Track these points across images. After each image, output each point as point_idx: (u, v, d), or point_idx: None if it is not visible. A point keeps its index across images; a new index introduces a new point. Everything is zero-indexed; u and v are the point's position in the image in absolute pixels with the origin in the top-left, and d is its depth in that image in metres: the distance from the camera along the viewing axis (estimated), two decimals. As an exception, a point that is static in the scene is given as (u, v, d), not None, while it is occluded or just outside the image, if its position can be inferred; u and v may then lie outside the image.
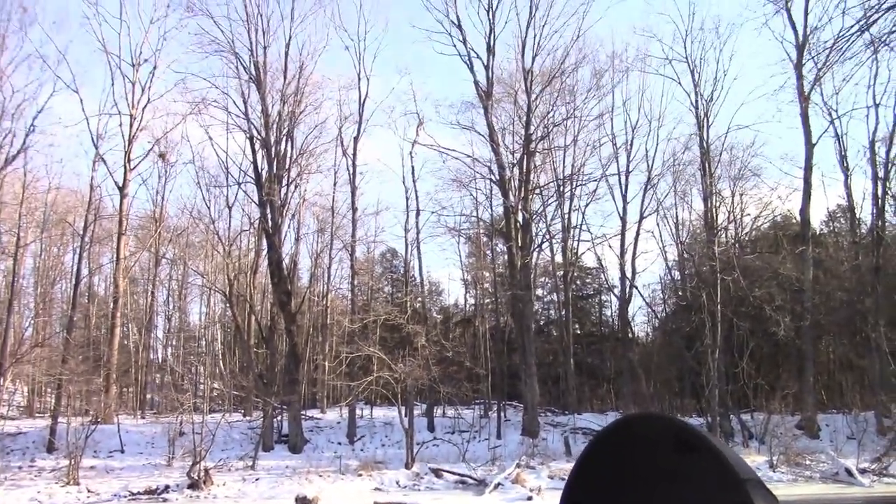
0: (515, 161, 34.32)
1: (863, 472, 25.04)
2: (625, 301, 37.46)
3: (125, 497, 22.32)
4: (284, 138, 31.86)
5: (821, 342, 35.85)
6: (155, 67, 34.01)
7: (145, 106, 33.49)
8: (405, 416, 28.48)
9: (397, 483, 24.69)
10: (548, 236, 38.39)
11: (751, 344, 32.05)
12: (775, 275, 32.11)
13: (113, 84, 34.06)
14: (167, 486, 23.22)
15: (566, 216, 38.52)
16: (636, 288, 38.45)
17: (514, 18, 39.49)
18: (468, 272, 44.32)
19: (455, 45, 34.92)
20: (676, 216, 38.48)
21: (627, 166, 37.52)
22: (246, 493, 23.36)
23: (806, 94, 32.37)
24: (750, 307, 32.67)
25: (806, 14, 30.91)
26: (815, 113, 33.75)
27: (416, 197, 36.01)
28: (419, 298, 38.49)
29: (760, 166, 36.23)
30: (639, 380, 35.01)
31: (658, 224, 38.19)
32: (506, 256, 36.21)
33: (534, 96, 34.20)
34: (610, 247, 38.87)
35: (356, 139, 34.63)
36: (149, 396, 38.32)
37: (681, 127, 47.65)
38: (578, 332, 43.52)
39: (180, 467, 24.79)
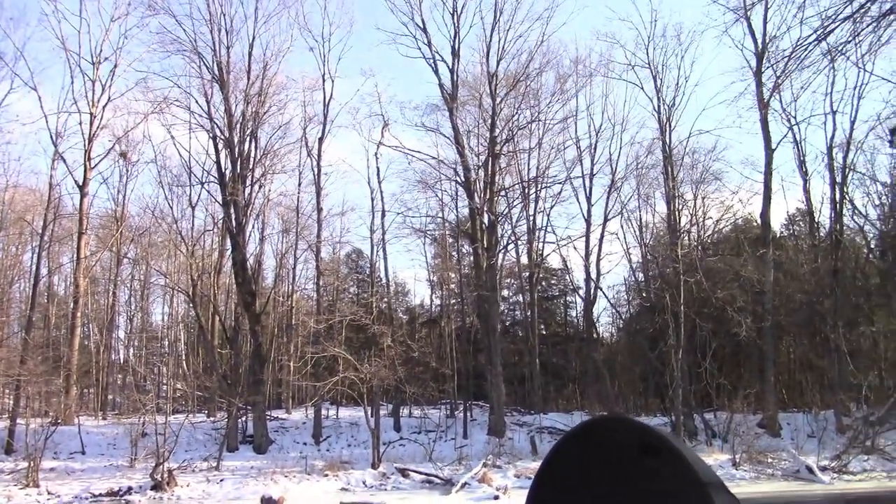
0: (481, 163, 34.47)
1: (823, 469, 25.58)
2: (589, 302, 37.82)
3: (86, 499, 21.92)
4: (248, 138, 31.62)
5: (781, 342, 36.55)
6: (115, 66, 33.59)
7: (106, 104, 33.04)
8: (371, 416, 28.43)
9: (364, 483, 24.63)
10: (513, 238, 38.65)
11: (713, 344, 32.55)
12: (737, 276, 32.64)
13: (72, 82, 33.62)
14: (130, 488, 22.88)
15: (531, 218, 38.83)
16: (601, 289, 38.90)
17: (479, 22, 39.86)
18: (434, 273, 44.38)
19: (420, 48, 35.06)
20: (640, 218, 39.03)
21: (592, 169, 37.93)
22: (210, 493, 23.11)
23: (765, 100, 32.97)
24: (712, 308, 33.19)
25: (765, 23, 31.56)
26: (775, 119, 34.48)
27: (382, 198, 36.04)
28: (385, 299, 38.43)
29: (722, 170, 36.96)
30: (603, 380, 35.37)
31: (622, 226, 38.66)
32: (471, 257, 36.33)
33: (498, 100, 34.40)
34: (575, 248, 39.30)
35: (321, 140, 34.50)
36: (110, 397, 37.69)
37: (644, 131, 48.23)
38: (544, 332, 43.82)
39: (143, 468, 24.44)
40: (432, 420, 32.94)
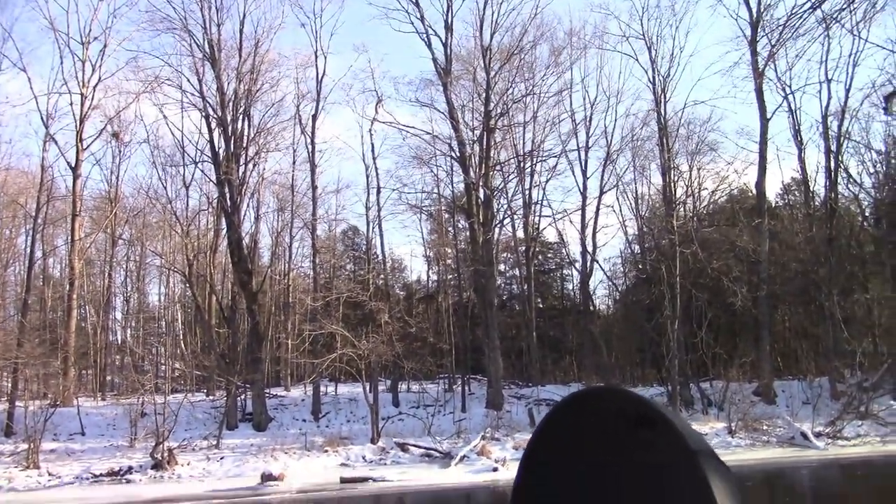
0: (475, 138, 34.31)
1: (818, 435, 25.85)
2: (586, 275, 37.90)
3: (87, 479, 22.08)
4: (241, 117, 31.39)
5: (777, 311, 36.73)
6: (105, 45, 33.22)
7: (96, 85, 32.71)
8: (370, 391, 28.56)
9: (363, 458, 24.82)
10: (509, 212, 38.57)
11: (709, 314, 32.69)
12: (732, 247, 32.72)
13: (62, 62, 33.28)
14: (130, 468, 23.03)
15: (527, 192, 38.71)
16: (597, 262, 38.98)
17: (472, -5, 39.21)
18: (430, 249, 44.35)
19: (413, 23, 34.73)
20: (636, 191, 38.99)
21: (587, 142, 37.83)
22: (211, 471, 23.28)
23: (760, 70, 32.84)
24: (708, 279, 33.29)
25: (760, -9, 31.30)
26: (770, 88, 34.36)
27: (377, 174, 35.89)
28: (381, 275, 38.43)
29: (717, 141, 36.78)
30: (600, 351, 35.54)
31: (618, 199, 38.62)
32: (467, 233, 36.30)
33: (493, 73, 34.16)
34: (571, 222, 39.24)
35: (314, 117, 34.22)
36: (109, 378, 37.75)
37: (639, 103, 48.05)
38: (541, 305, 43.90)
39: (143, 448, 24.57)
40: (431, 395, 33.10)
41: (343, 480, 21.42)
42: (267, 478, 21.19)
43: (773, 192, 41.43)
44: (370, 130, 35.77)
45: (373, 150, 35.96)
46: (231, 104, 30.83)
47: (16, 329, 30.10)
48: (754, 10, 32.14)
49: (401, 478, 21.61)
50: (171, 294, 43.86)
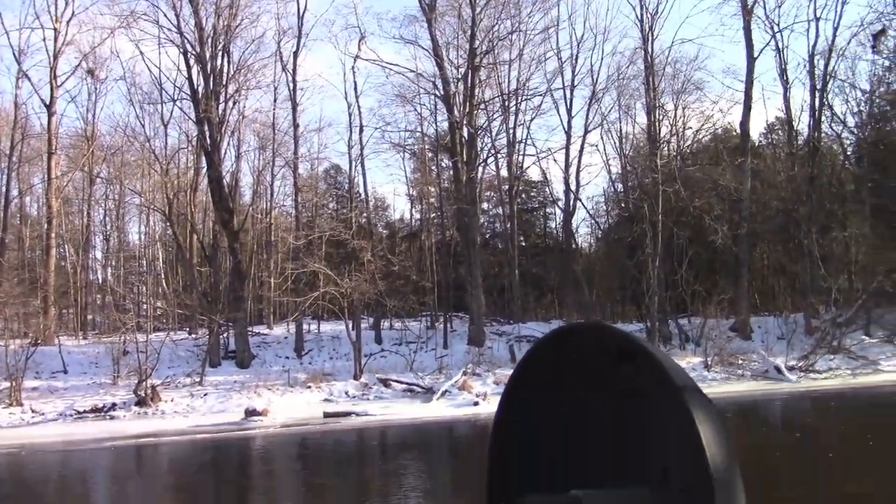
0: (460, 76, 33.81)
1: (791, 369, 26.47)
2: (569, 213, 37.99)
3: (71, 416, 22.21)
4: (220, 53, 30.65)
5: (756, 249, 37.09)
6: (78, -24, 32.04)
7: (70, 19, 31.80)
8: (352, 329, 28.72)
9: (346, 393, 25.11)
10: (493, 151, 38.28)
11: (690, 252, 32.95)
12: (715, 185, 32.78)
13: (34, -5, 32.10)
14: (114, 404, 23.18)
15: (511, 131, 38.33)
16: (580, 200, 39.00)
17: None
18: (413, 187, 44.10)
19: (397, -46, 33.70)
20: (620, 130, 38.79)
21: (572, 81, 37.43)
22: (195, 407, 23.48)
23: (749, 7, 32.37)
24: (690, 217, 33.46)
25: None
26: (758, 27, 33.97)
27: (360, 113, 35.34)
28: (364, 214, 38.26)
29: (703, 80, 36.63)
30: (582, 289, 35.83)
31: (602, 138, 38.47)
32: (451, 171, 36.05)
33: (478, 9, 33.46)
34: (555, 160, 39.09)
35: (296, 54, 33.47)
36: (90, 317, 37.65)
37: (626, 41, 47.77)
38: (523, 244, 44.02)
39: (126, 386, 24.69)
40: (413, 332, 33.38)
41: (326, 415, 21.67)
42: (251, 413, 21.40)
43: (756, 131, 41.45)
44: (353, 68, 35.17)
45: (355, 89, 35.41)
46: (210, 40, 30.04)
47: (-6, 268, 29.80)
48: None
49: (383, 412, 21.91)
50: (152, 233, 43.47)
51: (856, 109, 36.16)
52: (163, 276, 40.36)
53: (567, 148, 37.01)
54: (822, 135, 35.58)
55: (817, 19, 33.31)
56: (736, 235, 32.64)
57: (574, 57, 37.30)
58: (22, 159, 34.44)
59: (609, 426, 1.59)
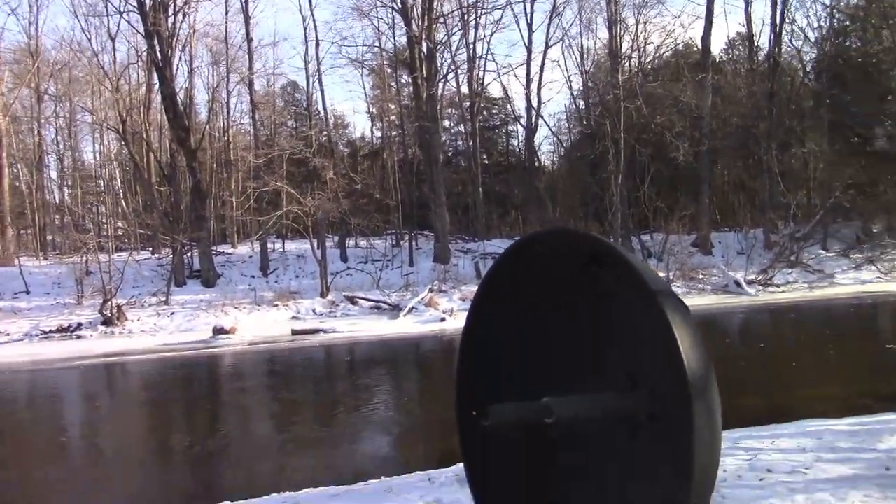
0: (419, -12, 32.83)
1: (750, 283, 27.28)
2: (531, 130, 37.81)
3: (37, 336, 22.11)
4: (167, -39, 29.23)
5: (717, 166, 37.54)
6: None
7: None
8: (317, 248, 28.73)
9: (313, 311, 25.31)
10: (453, 66, 37.56)
11: (652, 169, 33.21)
12: (676, 102, 32.84)
13: None
14: (80, 324, 23.10)
15: (471, 46, 37.51)
16: (542, 117, 38.80)
17: None
18: (373, 104, 43.37)
19: None
20: (581, 45, 38.37)
21: (533, -8, 36.53)
22: (162, 326, 23.53)
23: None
24: (651, 134, 33.62)
25: None
26: (723, -66, 33.33)
27: (315, 27, 34.47)
28: (325, 132, 37.66)
29: (666, -6, 35.93)
30: (545, 206, 36.09)
31: (563, 53, 38.22)
32: (411, 88, 35.45)
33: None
34: (516, 77, 38.86)
35: (247, -38, 32.10)
36: (49, 238, 36.94)
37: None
38: (486, 161, 43.91)
39: (91, 306, 24.56)
40: (378, 250, 33.49)
41: (294, 332, 21.90)
42: (218, 331, 21.52)
43: (717, 47, 41.33)
44: (307, -23, 33.88)
45: (310, 1, 34.22)
46: (156, -54, 28.62)
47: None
48: None
49: (351, 329, 22.18)
50: (107, 152, 42.31)
51: (816, 24, 36.16)
52: (121, 196, 39.61)
53: (528, 64, 36.54)
54: (783, 50, 35.65)
55: (780, -70, 32.90)
56: (697, 152, 32.95)
57: (535, -33, 36.37)
58: (-37, 75, 33.02)
59: (577, 334, 1.67)
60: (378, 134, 45.36)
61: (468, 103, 39.12)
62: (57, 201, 41.21)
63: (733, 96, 35.89)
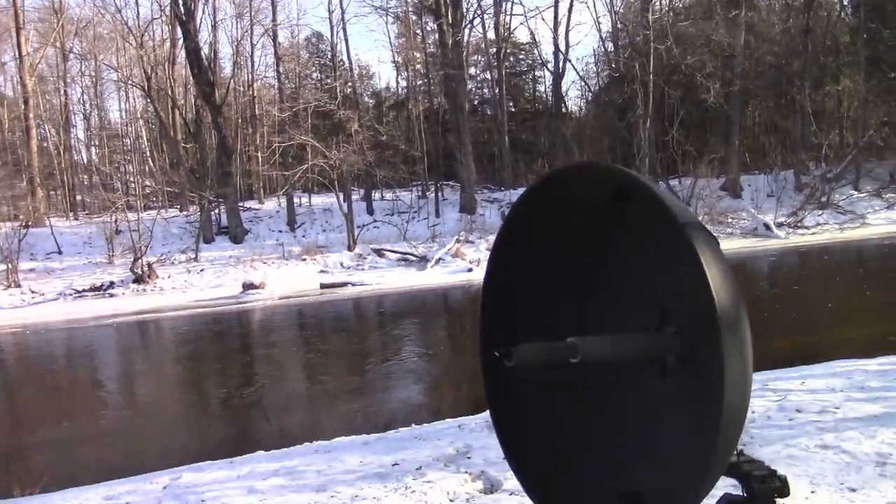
0: (443, -71, 32.01)
1: (780, 226, 26.86)
2: (558, 75, 37.16)
3: (70, 295, 22.52)
4: (187, -88, 28.80)
5: (748, 107, 36.68)
6: None
7: None
8: (343, 201, 28.74)
9: (341, 265, 25.44)
10: (479, 11, 36.92)
11: (681, 112, 32.58)
12: (707, 41, 31.97)
13: None
14: (112, 283, 23.46)
15: (498, -11, 36.76)
16: (570, 62, 38.11)
17: None
18: (398, 53, 42.86)
19: None
20: (611, -15, 37.20)
21: (561, -70, 35.49)
22: (192, 283, 23.83)
23: None
24: (681, 75, 32.86)
25: None
26: None
27: (339, -26, 33.75)
28: (349, 83, 37.36)
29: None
30: (572, 153, 35.62)
31: (592, -6, 36.94)
32: (436, 35, 34.87)
33: None
34: (543, 20, 38.05)
35: None
36: (79, 198, 37.45)
37: None
38: (513, 109, 43.35)
39: (122, 264, 24.93)
40: (404, 202, 33.43)
41: (323, 286, 22.05)
42: (248, 287, 21.75)
43: (751, -19, 39.84)
44: (328, -77, 33.25)
45: (332, -53, 33.65)
46: None
47: (-26, 151, 29.32)
48: None
49: (379, 281, 22.28)
50: (133, 110, 42.52)
51: (855, -46, 34.76)
52: (148, 154, 39.87)
53: (556, 6, 35.75)
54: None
55: None
56: (728, 93, 32.17)
57: None
58: (-11, 37, 33.17)
59: (603, 273, 1.60)
60: (403, 84, 44.94)
61: (494, 49, 38.47)
62: (84, 161, 41.67)
63: (767, 33, 34.84)
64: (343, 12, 34.50)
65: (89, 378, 12.92)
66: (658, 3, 35.73)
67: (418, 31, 40.34)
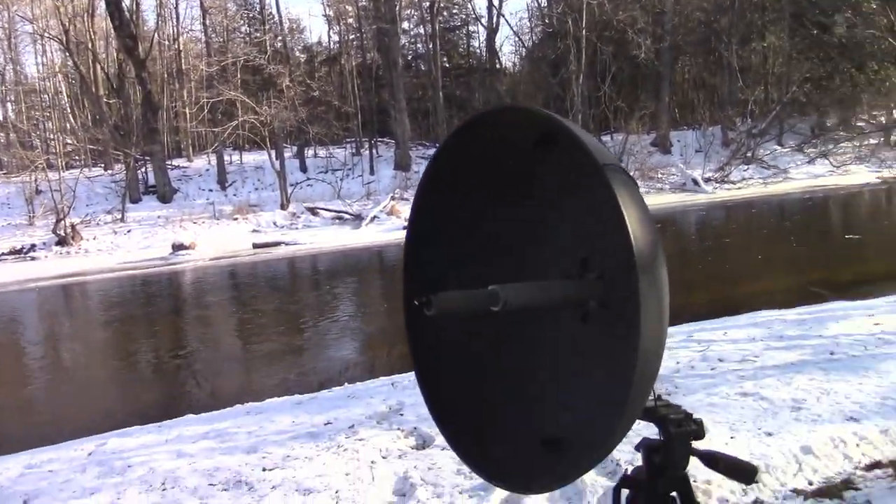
0: None
1: (707, 180, 27.58)
2: (492, 31, 36.95)
3: (-11, 258, 21.64)
4: None
5: (678, 63, 37.24)
6: None
7: None
8: (276, 158, 28.19)
9: (274, 224, 25.05)
10: (411, -37, 36.24)
11: (613, 68, 32.85)
12: (639, -3, 32.24)
13: None
14: (33, 245, 22.61)
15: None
16: (503, 17, 37.93)
17: None
18: (330, 7, 41.82)
19: None
20: (544, -63, 36.92)
21: None
22: (119, 244, 23.14)
23: None
24: (613, 31, 33.07)
25: None
26: None
27: (266, -80, 32.54)
28: (279, 37, 36.37)
29: None
30: (506, 109, 35.63)
31: (525, -54, 36.64)
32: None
33: None
34: (476, -27, 37.37)
35: None
36: (-6, 157, 35.73)
37: None
38: (447, 65, 42.93)
39: (44, 226, 24.01)
40: (338, 159, 33.00)
41: (255, 246, 21.70)
42: (178, 247, 21.22)
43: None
44: None
45: None
46: None
47: None
48: None
49: (313, 240, 22.04)
50: (51, 64, 40.50)
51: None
52: (69, 111, 38.21)
53: (490, -42, 35.35)
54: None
55: None
56: (658, 49, 32.58)
57: None
58: None
59: (527, 219, 1.58)
60: (335, 38, 43.96)
61: (428, 3, 37.88)
62: (0, 118, 39.63)
63: (697, -10, 35.30)
64: (271, -37, 33.32)
65: (12, 344, 12.48)
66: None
67: (350, -17, 39.40)
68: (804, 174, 28.61)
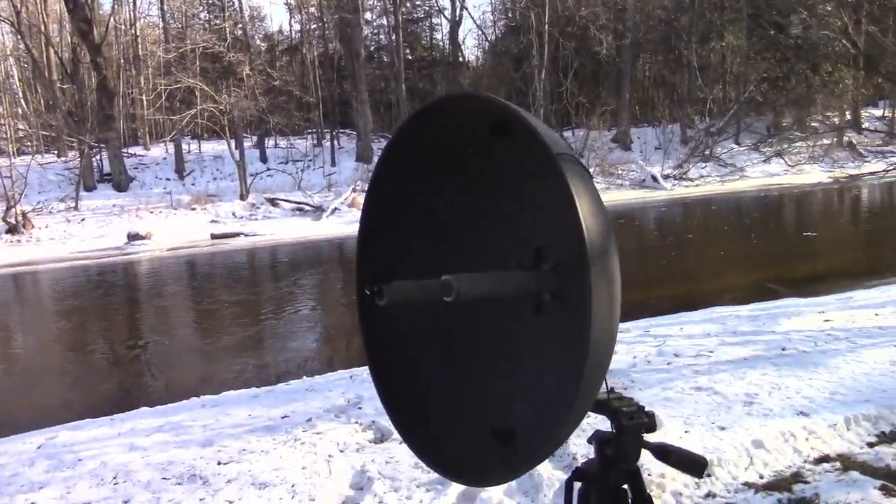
0: None
1: (666, 177, 27.94)
2: (455, 24, 36.90)
3: (-65, 247, 20.97)
4: None
5: (638, 60, 37.62)
6: None
7: None
8: (235, 148, 27.81)
9: (233, 214, 24.72)
10: (375, -47, 35.98)
11: (575, 63, 33.05)
12: (601, -7, 32.49)
13: None
14: (-18, 233, 21.98)
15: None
16: (466, 9, 37.86)
17: None
18: (291, -5, 41.28)
19: None
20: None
21: None
22: (72, 233, 22.61)
23: None
24: (576, 27, 33.27)
25: None
26: None
27: None
28: (239, 25, 35.84)
29: None
30: (469, 103, 35.64)
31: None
32: (331, -24, 33.78)
33: None
34: (440, -36, 37.25)
35: None
36: (-58, 142, 34.62)
37: None
38: (410, 57, 42.76)
39: (-7, 214, 23.34)
40: (299, 150, 32.68)
41: (214, 237, 21.39)
42: (133, 237, 20.81)
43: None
44: None
45: None
46: None
47: None
48: None
49: (272, 231, 21.80)
50: (2, 47, 39.35)
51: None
52: (20, 95, 37.17)
53: (453, -48, 35.25)
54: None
55: None
56: (620, 46, 32.89)
57: None
58: None
59: (482, 208, 1.57)
60: (297, 27, 43.44)
61: (391, -6, 37.66)
62: (-52, 102, 38.38)
63: (657, -12, 35.70)
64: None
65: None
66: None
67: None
68: (760, 173, 29.16)
